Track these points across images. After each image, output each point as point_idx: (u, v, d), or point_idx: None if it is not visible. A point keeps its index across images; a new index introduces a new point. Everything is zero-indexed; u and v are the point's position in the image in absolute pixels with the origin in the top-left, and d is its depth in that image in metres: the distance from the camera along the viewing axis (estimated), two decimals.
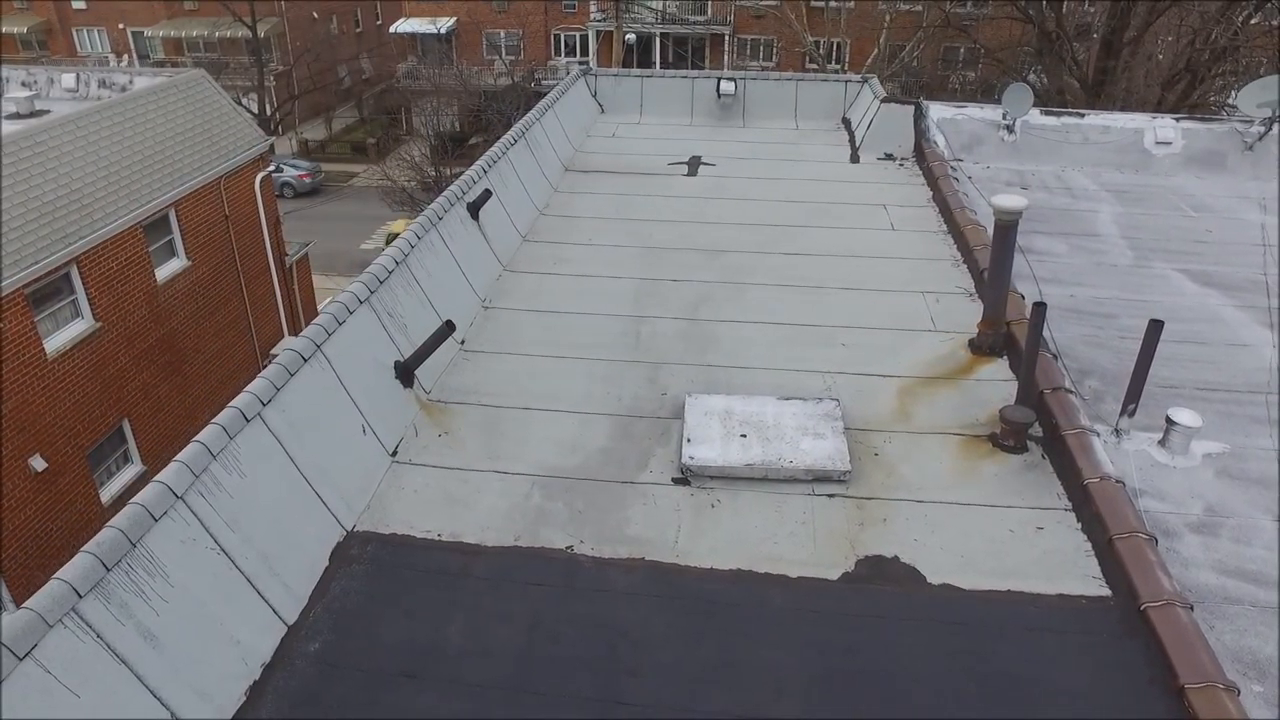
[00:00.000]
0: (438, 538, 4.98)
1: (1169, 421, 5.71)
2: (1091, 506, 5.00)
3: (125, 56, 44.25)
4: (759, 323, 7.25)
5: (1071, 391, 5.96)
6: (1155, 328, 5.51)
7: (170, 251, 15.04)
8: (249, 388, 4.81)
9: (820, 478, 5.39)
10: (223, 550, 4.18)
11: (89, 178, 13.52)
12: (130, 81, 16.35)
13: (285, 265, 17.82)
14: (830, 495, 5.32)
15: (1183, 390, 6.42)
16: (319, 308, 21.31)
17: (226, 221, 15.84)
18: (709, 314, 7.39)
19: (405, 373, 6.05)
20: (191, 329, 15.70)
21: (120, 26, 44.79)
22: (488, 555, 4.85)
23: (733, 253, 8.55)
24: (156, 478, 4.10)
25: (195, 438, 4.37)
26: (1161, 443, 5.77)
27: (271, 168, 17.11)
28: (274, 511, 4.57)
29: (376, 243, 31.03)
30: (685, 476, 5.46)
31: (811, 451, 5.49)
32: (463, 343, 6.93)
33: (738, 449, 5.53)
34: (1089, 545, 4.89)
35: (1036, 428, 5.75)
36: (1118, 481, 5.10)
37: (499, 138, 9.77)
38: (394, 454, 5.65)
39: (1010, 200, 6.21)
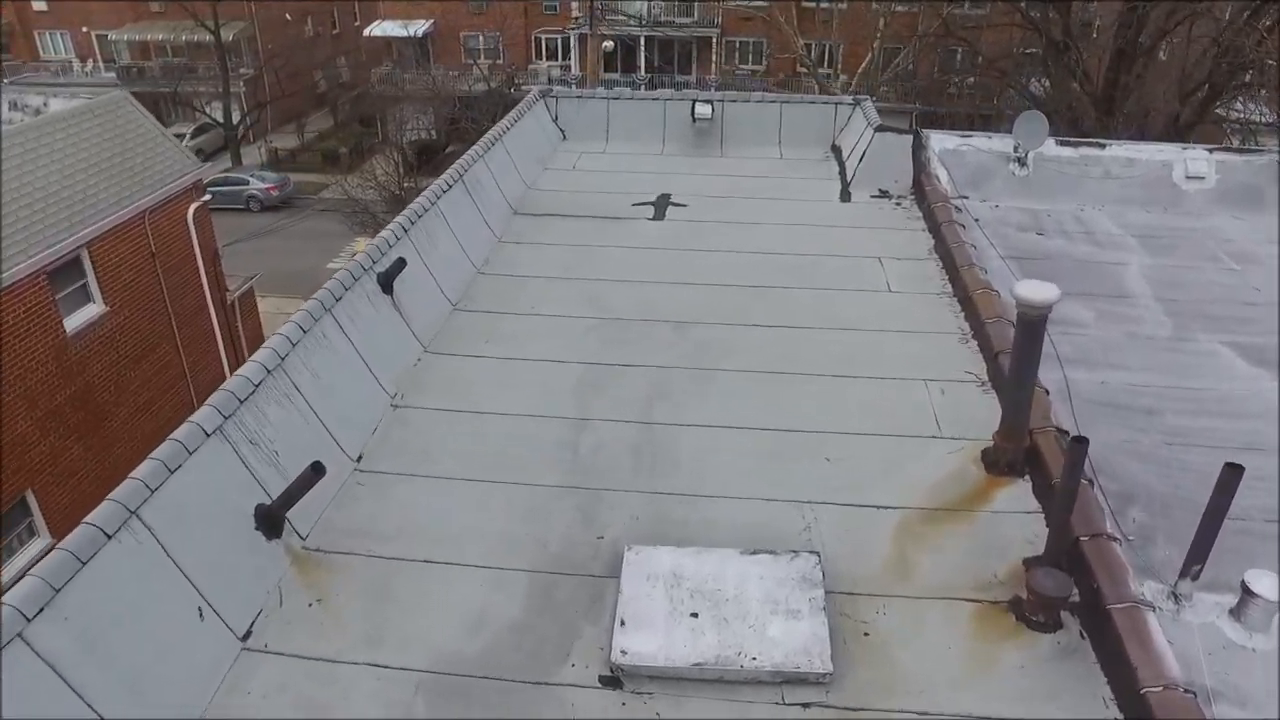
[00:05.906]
0: None
1: (1245, 590, 4.43)
2: None
3: (90, 60, 42.59)
4: (727, 428, 5.95)
5: (1115, 539, 4.70)
6: (1233, 475, 4.25)
7: (84, 296, 13.59)
8: (6, 598, 3.51)
9: (792, 679, 4.11)
10: None
11: None
12: (45, 104, 14.92)
13: (226, 302, 16.39)
14: (805, 704, 4.04)
15: (1250, 525, 5.14)
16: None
17: (153, 259, 14.38)
18: (666, 415, 6.09)
19: (269, 521, 4.75)
20: (111, 381, 14.20)
21: (84, 30, 43.10)
22: None
23: (701, 324, 7.25)
24: None
25: None
26: (1235, 614, 4.50)
27: (206, 197, 15.63)
28: None
29: (344, 261, 29.60)
30: (616, 676, 4.18)
31: (782, 641, 4.20)
32: (359, 460, 5.62)
33: (685, 636, 4.24)
34: None
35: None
36: (1187, 692, 3.84)
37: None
38: (245, 637, 4.36)
39: (1038, 291, 4.93)
